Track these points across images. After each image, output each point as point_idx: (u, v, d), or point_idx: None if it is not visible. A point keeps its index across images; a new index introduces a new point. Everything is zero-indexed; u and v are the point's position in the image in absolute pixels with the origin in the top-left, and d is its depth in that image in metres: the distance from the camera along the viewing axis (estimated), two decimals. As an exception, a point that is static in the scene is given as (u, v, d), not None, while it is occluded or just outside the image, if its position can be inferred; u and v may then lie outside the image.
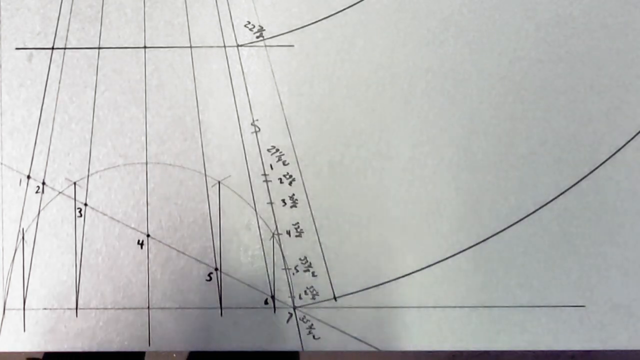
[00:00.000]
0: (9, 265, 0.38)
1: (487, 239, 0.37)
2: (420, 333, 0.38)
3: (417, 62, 0.38)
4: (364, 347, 0.38)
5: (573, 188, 0.37)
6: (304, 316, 0.38)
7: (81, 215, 0.38)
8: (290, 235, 0.38)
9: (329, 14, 0.38)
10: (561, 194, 0.37)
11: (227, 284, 0.38)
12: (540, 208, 0.38)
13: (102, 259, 0.38)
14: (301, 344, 0.38)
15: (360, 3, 0.38)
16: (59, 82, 0.38)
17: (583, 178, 0.37)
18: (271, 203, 0.38)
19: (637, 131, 0.37)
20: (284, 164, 0.38)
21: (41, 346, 0.38)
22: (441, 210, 0.38)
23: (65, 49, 0.38)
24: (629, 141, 0.37)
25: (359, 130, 0.38)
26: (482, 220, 0.38)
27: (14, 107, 0.38)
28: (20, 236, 0.38)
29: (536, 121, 0.38)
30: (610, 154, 0.37)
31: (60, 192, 0.38)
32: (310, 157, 0.38)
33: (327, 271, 0.38)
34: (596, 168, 0.37)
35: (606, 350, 0.38)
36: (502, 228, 0.37)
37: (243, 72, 0.38)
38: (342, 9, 0.38)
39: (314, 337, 0.38)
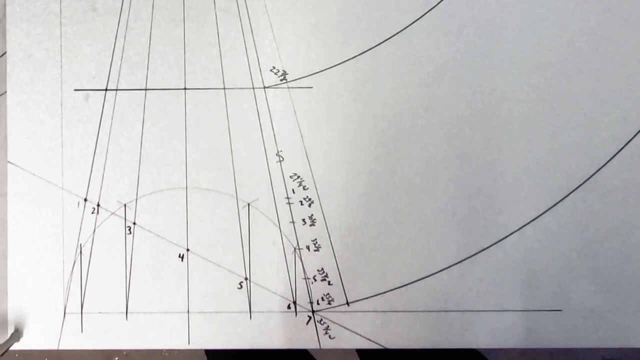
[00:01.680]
0: (69, 275, 0.44)
1: (477, 253, 0.43)
2: (420, 333, 0.44)
3: (418, 102, 0.43)
4: (373, 345, 0.44)
5: (551, 209, 0.43)
6: (321, 319, 0.44)
7: (130, 233, 0.44)
8: (309, 250, 0.44)
9: (343, 60, 0.44)
10: (540, 215, 0.43)
11: (256, 291, 0.44)
12: (523, 226, 0.43)
13: (148, 270, 0.44)
14: (319, 342, 0.44)
15: (370, 51, 0.44)
16: (112, 119, 0.44)
17: (559, 201, 0.43)
18: (293, 222, 0.44)
19: (605, 161, 0.43)
20: (304, 188, 0.44)
21: (96, 345, 0.44)
22: (439, 228, 0.44)
23: (117, 90, 0.44)
24: (599, 169, 0.43)
25: (368, 160, 0.44)
26: (472, 237, 0.43)
27: (73, 141, 0.44)
28: (79, 251, 0.44)
29: (518, 151, 0.43)
30: (582, 181, 0.43)
31: (112, 213, 0.44)
32: (327, 182, 0.44)
33: (341, 280, 0.44)
34: (570, 193, 0.43)
35: (581, 348, 0.44)
36: (490, 244, 0.43)
37: (269, 110, 0.44)
38: (354, 56, 0.44)
39: (329, 337, 0.44)
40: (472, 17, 0.43)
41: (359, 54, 0.44)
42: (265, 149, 0.44)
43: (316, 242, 0.44)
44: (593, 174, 0.43)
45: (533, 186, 0.43)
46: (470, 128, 0.43)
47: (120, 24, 0.44)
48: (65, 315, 0.44)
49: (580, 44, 0.43)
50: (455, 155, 0.43)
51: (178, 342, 0.44)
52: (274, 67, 0.44)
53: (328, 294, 0.44)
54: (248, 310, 0.44)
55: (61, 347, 0.44)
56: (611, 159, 0.43)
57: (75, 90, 0.44)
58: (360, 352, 0.56)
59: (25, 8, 0.44)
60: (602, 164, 0.43)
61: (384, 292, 0.43)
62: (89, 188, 0.44)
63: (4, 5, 0.44)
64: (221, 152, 0.44)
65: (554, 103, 0.43)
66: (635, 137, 0.43)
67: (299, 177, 0.44)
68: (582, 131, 0.43)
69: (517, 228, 0.43)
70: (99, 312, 0.44)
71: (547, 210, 0.43)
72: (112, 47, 0.44)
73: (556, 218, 0.43)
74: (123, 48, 0.44)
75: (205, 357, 0.52)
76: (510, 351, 0.44)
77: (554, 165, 0.43)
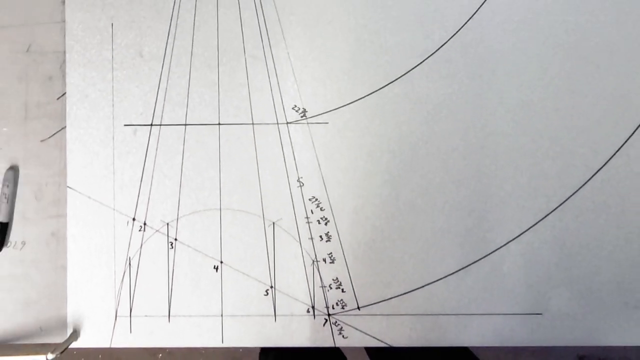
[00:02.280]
0: (119, 284, 0.51)
1: (469, 265, 0.50)
2: (421, 333, 0.51)
3: (419, 135, 0.50)
4: (380, 344, 0.51)
5: (533, 228, 0.50)
6: (336, 321, 0.51)
7: (172, 248, 0.51)
8: (325, 262, 0.51)
9: (354, 100, 0.51)
10: (523, 232, 0.50)
11: (280, 297, 0.51)
12: (509, 242, 0.50)
13: (187, 280, 0.51)
14: (334, 341, 0.51)
15: (377, 92, 0.51)
16: (156, 150, 0.51)
17: (540, 220, 0.50)
18: (311, 238, 0.51)
19: (579, 186, 0.50)
20: (321, 209, 0.51)
21: (143, 344, 0.51)
22: (437, 243, 0.50)
23: (160, 125, 0.51)
24: (574, 193, 0.50)
25: (376, 185, 0.51)
26: (465, 251, 0.50)
27: (123, 169, 0.51)
28: (128, 263, 0.51)
29: (505, 177, 0.50)
30: (559, 203, 0.50)
31: (157, 231, 0.51)
32: (341, 205, 0.51)
33: (353, 288, 0.51)
34: (548, 214, 0.50)
35: (558, 347, 0.51)
36: (480, 257, 0.50)
37: (291, 142, 0.51)
38: (364, 96, 0.51)
39: (343, 336, 0.51)
40: (465, 63, 0.50)
41: (368, 94, 0.51)
42: (287, 175, 0.51)
43: (331, 256, 0.51)
44: (568, 197, 0.50)
45: (517, 208, 0.50)
46: (464, 158, 0.50)
47: (163, 68, 0.51)
48: (117, 318, 0.51)
49: (557, 86, 0.50)
50: (450, 181, 0.50)
51: (213, 341, 0.51)
52: (295, 106, 0.51)
53: (342, 299, 0.51)
54: (273, 313, 0.51)
55: (113, 346, 0.51)
56: (584, 184, 0.50)
57: (125, 125, 0.51)
58: (368, 350, 0.64)
59: (82, 55, 0.51)
60: (576, 189, 0.50)
61: (390, 298, 0.51)
62: (137, 209, 0.51)
63: (64, 52, 0.51)
64: (250, 178, 0.51)
65: (535, 137, 0.50)
66: (605, 166, 0.50)
67: (316, 199, 0.51)
68: (559, 160, 0.50)
69: (503, 244, 0.50)
70: (145, 315, 0.51)
71: (529, 229, 0.50)
72: (157, 88, 0.51)
73: (537, 235, 0.50)
74: (166, 89, 0.51)
75: (258, 356, 0.59)
76: (498, 349, 0.51)
77: (535, 190, 0.50)
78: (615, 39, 0.50)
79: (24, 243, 0.51)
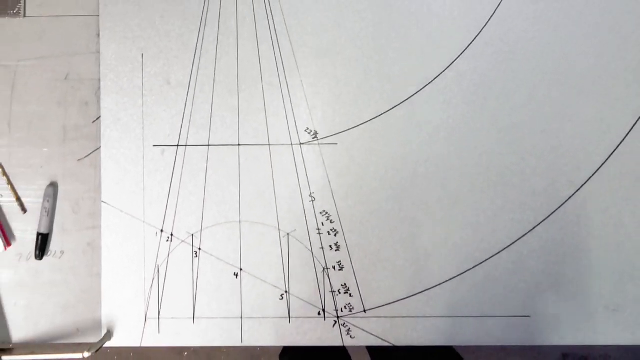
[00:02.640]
0: (149, 289, 0.56)
1: (464, 272, 0.55)
2: (421, 334, 0.56)
3: (419, 155, 0.56)
4: (384, 343, 0.56)
5: (522, 238, 0.55)
6: (344, 323, 0.56)
7: (197, 256, 0.56)
8: (335, 270, 0.56)
9: (361, 123, 0.56)
10: (513, 243, 0.55)
11: (293, 301, 0.56)
12: (500, 251, 0.56)
13: (210, 285, 0.56)
14: (342, 341, 0.56)
15: (382, 115, 0.56)
16: (182, 168, 0.56)
17: (528, 232, 0.55)
18: (322, 248, 0.56)
19: (564, 201, 0.55)
20: (330, 222, 0.56)
21: (170, 343, 0.56)
22: (435, 253, 0.56)
23: (186, 146, 0.56)
24: (559, 207, 0.55)
25: (380, 200, 0.56)
26: (461, 260, 0.56)
27: (152, 185, 0.56)
28: (156, 270, 0.56)
29: (497, 192, 0.56)
30: (546, 216, 0.55)
31: (182, 241, 0.56)
32: (348, 218, 0.56)
33: (360, 293, 0.56)
34: (536, 226, 0.55)
35: (545, 346, 0.56)
36: (474, 265, 0.55)
37: (304, 161, 0.56)
38: (369, 119, 0.56)
39: (350, 336, 0.56)
40: (460, 90, 0.56)
41: (374, 118, 0.56)
42: (300, 191, 0.56)
43: (340, 264, 0.56)
44: (554, 211, 0.55)
45: (508, 220, 0.56)
46: (460, 175, 0.56)
47: (188, 94, 0.56)
48: (146, 320, 0.56)
49: (543, 110, 0.55)
50: (447, 196, 0.56)
51: (233, 341, 0.56)
52: (308, 128, 0.56)
53: (349, 303, 0.56)
54: (287, 316, 0.56)
55: (143, 345, 0.57)
56: (568, 199, 0.55)
57: (154, 146, 0.56)
58: (369, 349, 0.69)
59: (115, 82, 0.56)
60: (561, 203, 0.56)
61: (393, 302, 0.56)
62: (165, 221, 0.56)
63: (99, 80, 0.56)
64: (266, 193, 0.56)
65: (524, 156, 0.56)
66: (587, 183, 0.55)
67: (327, 213, 0.56)
68: (545, 177, 0.56)
69: (495, 253, 0.56)
70: (172, 318, 0.56)
71: (518, 239, 0.56)
72: (183, 112, 0.56)
73: (526, 245, 0.56)
74: (191, 113, 0.56)
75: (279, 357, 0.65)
76: (490, 348, 0.56)
77: (524, 204, 0.56)
78: (596, 68, 0.55)
79: (62, 252, 0.57)
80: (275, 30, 0.56)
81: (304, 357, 0.64)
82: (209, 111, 0.56)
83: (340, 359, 0.72)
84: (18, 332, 0.57)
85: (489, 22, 0.56)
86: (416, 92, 0.56)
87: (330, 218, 0.56)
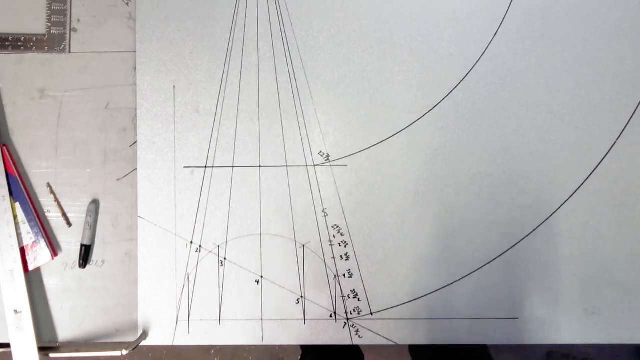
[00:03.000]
0: (180, 294, 0.63)
1: (460, 279, 0.62)
2: (421, 333, 0.63)
3: (420, 175, 0.63)
4: (388, 342, 0.63)
5: (511, 249, 0.62)
6: (353, 324, 0.63)
7: (222, 265, 0.63)
8: (345, 277, 0.63)
9: (368, 147, 0.63)
10: (503, 252, 0.62)
11: (308, 305, 0.63)
12: (492, 261, 0.63)
13: (234, 291, 0.63)
14: (351, 340, 0.63)
15: (387, 140, 0.63)
16: (209, 187, 0.63)
17: (516, 243, 0.62)
18: (334, 258, 0.63)
19: (549, 215, 0.62)
20: (341, 235, 0.63)
21: (199, 342, 0.63)
22: (433, 261, 0.63)
23: (213, 167, 0.63)
24: (544, 221, 0.62)
25: (384, 215, 0.63)
26: (456, 268, 0.63)
27: (182, 202, 0.63)
28: (186, 277, 0.63)
29: (489, 209, 0.63)
30: (533, 229, 0.62)
31: (209, 252, 0.63)
32: (357, 231, 0.63)
33: (367, 298, 0.63)
34: (523, 238, 0.62)
35: (531, 344, 0.63)
36: (469, 273, 0.62)
37: (317, 181, 0.63)
38: (375, 144, 0.63)
39: (359, 336, 0.63)
40: (456, 118, 0.63)
41: (379, 142, 0.63)
42: (314, 207, 0.63)
43: (349, 272, 0.63)
44: (539, 225, 0.62)
45: (498, 233, 0.63)
46: (456, 193, 0.63)
47: (215, 121, 0.63)
48: (178, 321, 0.63)
49: (530, 135, 0.62)
50: (445, 211, 0.63)
51: (255, 340, 0.63)
52: (321, 151, 0.63)
53: (358, 307, 0.63)
54: (303, 318, 0.63)
55: (174, 344, 0.64)
56: (552, 214, 0.62)
57: (184, 167, 0.63)
58: (411, 348, 0.76)
59: (150, 111, 0.63)
60: (546, 218, 0.62)
61: (397, 306, 0.63)
62: (194, 234, 0.63)
63: (135, 109, 0.63)
64: (284, 209, 0.63)
65: (512, 176, 0.63)
66: (569, 200, 0.62)
67: (338, 227, 0.63)
68: (532, 195, 0.63)
69: (487, 262, 0.63)
70: (201, 319, 0.63)
71: (508, 250, 0.62)
72: (210, 137, 0.63)
73: (514, 255, 0.63)
74: (217, 138, 0.63)
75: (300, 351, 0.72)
76: (482, 346, 0.63)
77: (513, 219, 0.63)
78: (576, 99, 0.62)
79: (103, 261, 0.63)
80: (292, 65, 0.63)
81: (324, 358, 0.71)
82: (233, 136, 0.63)
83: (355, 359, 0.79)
84: (64, 332, 0.64)
85: (482, 57, 0.63)
86: (417, 120, 0.63)
87: (341, 231, 0.63)
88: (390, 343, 0.63)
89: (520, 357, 0.73)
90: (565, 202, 0.63)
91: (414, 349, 0.78)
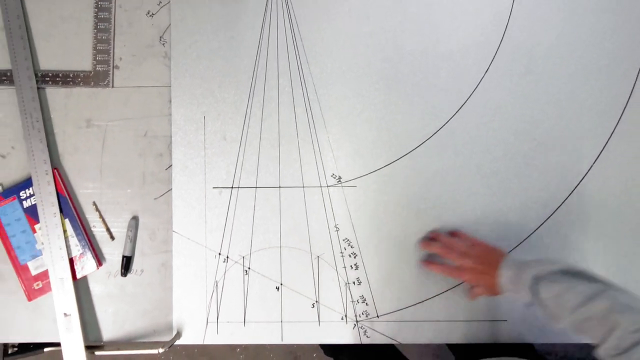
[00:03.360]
0: (209, 300, 0.72)
1: (455, 286, 0.71)
2: (422, 334, 0.71)
3: (421, 194, 0.71)
4: (392, 342, 0.71)
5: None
6: (362, 326, 0.72)
7: (247, 274, 0.72)
8: (354, 284, 0.72)
9: (375, 170, 0.71)
10: (493, 264, 0.70)
11: (322, 309, 0.72)
12: (484, 270, 0.71)
13: (257, 296, 0.72)
14: (360, 340, 0.72)
15: (391, 164, 0.71)
16: (235, 205, 0.72)
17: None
18: (345, 267, 0.72)
19: (535, 228, 0.71)
20: (351, 247, 0.72)
21: (226, 341, 0.72)
22: (432, 272, 0.71)
23: (238, 188, 0.72)
24: (530, 235, 0.71)
25: (390, 230, 0.71)
26: (450, 278, 0.71)
27: (212, 218, 0.72)
28: (215, 284, 0.72)
29: (479, 225, 0.71)
30: (519, 242, 0.71)
31: (235, 262, 0.72)
32: (365, 244, 0.71)
33: (374, 303, 0.71)
34: (510, 250, 0.71)
35: (518, 343, 0.71)
36: (461, 282, 0.71)
37: (330, 200, 0.72)
38: (382, 167, 0.71)
39: (367, 336, 0.72)
40: (452, 145, 0.71)
41: (385, 166, 0.72)
42: (328, 223, 0.72)
43: (358, 280, 0.72)
44: (523, 240, 0.71)
45: (494, 240, 0.71)
46: (452, 212, 0.71)
47: (240, 147, 0.72)
48: (207, 323, 0.72)
49: (517, 160, 0.71)
50: (441, 227, 0.71)
51: (275, 339, 0.72)
52: (334, 174, 0.72)
53: (366, 310, 0.72)
54: (317, 320, 0.72)
55: (205, 343, 0.72)
56: (535, 230, 0.71)
57: (213, 187, 0.72)
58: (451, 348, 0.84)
59: (183, 138, 0.72)
60: (529, 234, 0.71)
61: (400, 309, 0.71)
62: (222, 246, 0.72)
63: (170, 136, 0.72)
64: (301, 225, 0.72)
65: (501, 196, 0.71)
66: (550, 217, 0.71)
67: (348, 240, 0.72)
68: (518, 212, 0.71)
69: (479, 271, 0.71)
70: (228, 322, 0.72)
71: (497, 261, 0.71)
72: (235, 161, 0.72)
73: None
74: (242, 162, 0.72)
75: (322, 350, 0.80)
76: (474, 345, 0.71)
77: (501, 235, 0.71)
78: (557, 127, 0.71)
79: (142, 271, 0.72)
80: (308, 98, 0.72)
81: (359, 356, 0.80)
82: (256, 160, 0.72)
83: (392, 359, 0.87)
84: (107, 332, 0.72)
85: (474, 91, 0.71)
86: (418, 146, 0.71)
87: (351, 244, 0.72)
88: (394, 342, 0.72)
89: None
90: (547, 219, 0.71)
91: (453, 347, 0.86)
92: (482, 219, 0.71)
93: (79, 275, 0.72)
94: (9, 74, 0.72)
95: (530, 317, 0.71)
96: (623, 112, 0.72)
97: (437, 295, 0.71)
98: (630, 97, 0.72)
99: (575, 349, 0.80)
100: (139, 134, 0.72)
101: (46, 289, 0.72)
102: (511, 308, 0.71)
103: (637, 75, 0.71)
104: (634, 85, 0.72)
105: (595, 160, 0.71)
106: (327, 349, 0.93)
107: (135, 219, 0.72)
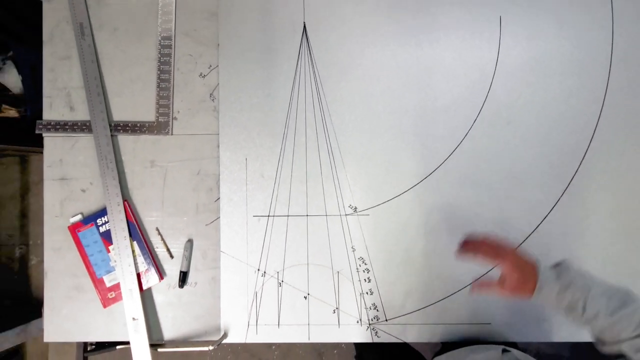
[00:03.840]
0: (250, 307, 0.88)
1: (450, 295, 0.87)
2: (423, 334, 0.88)
3: (421, 222, 0.88)
4: (399, 341, 0.88)
5: (485, 275, 0.87)
6: (373, 327, 0.88)
7: (280, 286, 0.88)
8: (367, 294, 0.88)
9: (385, 201, 0.88)
10: (480, 277, 0.87)
11: (341, 314, 0.88)
12: (470, 284, 0.88)
13: (288, 304, 0.88)
14: (372, 339, 0.88)
15: (397, 197, 0.88)
16: (271, 230, 0.88)
17: (488, 271, 0.87)
18: (359, 281, 0.88)
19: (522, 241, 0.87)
20: (364, 264, 0.88)
21: (264, 340, 0.88)
22: (430, 285, 0.88)
23: (274, 216, 0.88)
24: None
25: (397, 250, 0.88)
26: (445, 288, 0.87)
27: (252, 241, 0.88)
28: (255, 295, 0.88)
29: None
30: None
31: (271, 276, 0.88)
32: (376, 262, 0.88)
33: (383, 309, 0.88)
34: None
35: (501, 342, 0.88)
36: (455, 291, 0.87)
37: (348, 226, 0.88)
38: (390, 199, 0.88)
39: (377, 336, 0.88)
40: (447, 181, 0.88)
41: (393, 198, 0.88)
42: (345, 244, 0.88)
43: (370, 290, 0.88)
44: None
45: (474, 264, 0.87)
46: (449, 235, 0.88)
47: (275, 183, 0.88)
48: (249, 326, 0.88)
49: (498, 194, 0.87)
50: (440, 248, 0.88)
51: (304, 339, 0.88)
52: (351, 205, 0.88)
53: (376, 315, 0.88)
54: (337, 323, 0.88)
55: (246, 341, 0.89)
56: (525, 239, 0.87)
57: (253, 216, 0.88)
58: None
59: (229, 176, 0.88)
60: (520, 243, 0.87)
61: (404, 314, 0.88)
62: (260, 264, 0.88)
63: (218, 174, 0.88)
64: (324, 246, 0.88)
65: (487, 223, 0.88)
66: (526, 240, 0.87)
67: (362, 258, 0.88)
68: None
69: (468, 284, 0.87)
70: (265, 324, 0.88)
71: (482, 275, 0.87)
72: (271, 195, 0.88)
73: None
74: (277, 195, 0.88)
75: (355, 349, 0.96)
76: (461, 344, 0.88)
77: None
78: (531, 167, 0.88)
79: (196, 283, 0.89)
80: (330, 143, 0.88)
81: (379, 355, 0.97)
82: (287, 194, 0.88)
83: (411, 357, 1.03)
84: (167, 333, 0.89)
85: (465, 138, 0.88)
86: (419, 182, 0.88)
87: (365, 262, 0.88)
88: (399, 341, 0.88)
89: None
90: (523, 242, 0.88)
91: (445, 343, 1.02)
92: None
93: (144, 287, 0.88)
94: (88, 124, 0.88)
95: (510, 321, 0.87)
96: (585, 155, 0.88)
97: (434, 303, 0.88)
98: (590, 142, 0.88)
99: (545, 345, 0.97)
100: (193, 173, 0.89)
101: (118, 298, 0.88)
102: (493, 313, 0.88)
103: (596, 125, 0.88)
104: (594, 132, 0.88)
105: (562, 194, 0.88)
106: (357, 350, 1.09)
107: (190, 241, 0.89)
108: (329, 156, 0.89)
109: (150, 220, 0.89)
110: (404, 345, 0.89)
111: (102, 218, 0.88)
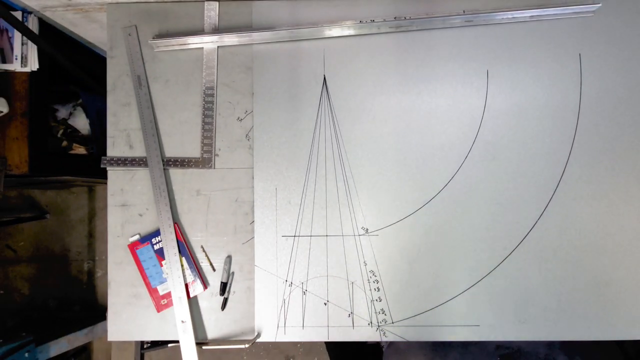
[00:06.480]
0: (279, 311, 1.04)
1: (447, 301, 1.03)
2: (421, 334, 1.04)
3: (422, 241, 1.04)
4: (403, 340, 1.04)
5: (481, 281, 1.03)
6: (382, 329, 1.04)
7: (304, 294, 1.04)
8: (377, 301, 1.04)
9: (392, 223, 1.04)
10: (469, 288, 1.03)
11: (355, 318, 1.04)
12: (470, 287, 1.04)
13: (311, 310, 1.04)
14: (381, 338, 1.04)
15: (401, 221, 1.04)
16: (297, 248, 1.04)
17: (484, 276, 1.03)
18: (370, 290, 1.04)
19: (507, 255, 1.03)
20: (374, 276, 1.04)
21: (290, 339, 1.05)
22: (430, 292, 1.04)
23: (299, 236, 1.04)
24: (498, 265, 1.03)
25: (402, 265, 1.04)
26: (443, 294, 1.03)
27: (281, 257, 1.04)
28: (283, 301, 1.04)
29: (455, 265, 1.04)
30: (491, 270, 1.03)
31: (297, 286, 1.04)
32: (385, 274, 1.04)
33: (390, 313, 1.04)
34: (484, 277, 1.03)
35: (487, 341, 1.04)
36: (451, 297, 1.03)
37: (361, 245, 1.04)
38: (397, 221, 1.04)
39: (385, 336, 1.04)
40: (442, 208, 1.04)
41: (397, 221, 1.04)
42: (359, 260, 1.04)
43: (379, 298, 1.04)
44: (492, 270, 1.03)
45: (466, 276, 1.03)
46: (446, 254, 1.04)
47: (300, 208, 1.04)
48: (278, 327, 1.04)
49: (486, 218, 1.03)
50: (439, 263, 1.04)
51: (323, 338, 1.04)
52: (363, 227, 1.04)
53: (385, 319, 1.04)
54: (352, 325, 1.04)
55: (276, 340, 1.05)
56: (500, 263, 1.03)
57: (282, 236, 1.04)
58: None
59: (262, 203, 1.04)
60: (489, 271, 1.03)
61: (408, 318, 1.04)
62: (287, 275, 1.04)
63: (253, 202, 1.04)
64: (341, 261, 1.04)
65: (476, 242, 1.04)
66: (506, 258, 1.03)
67: (373, 272, 1.04)
68: (487, 252, 1.03)
69: (459, 293, 1.03)
70: (292, 326, 1.04)
71: (472, 285, 1.03)
72: (297, 218, 1.04)
73: (477, 288, 1.03)
74: (302, 219, 1.04)
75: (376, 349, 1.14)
76: (455, 343, 1.04)
77: (472, 267, 1.03)
78: (513, 195, 1.04)
79: (234, 292, 1.05)
80: (345, 175, 1.05)
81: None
82: (310, 217, 1.05)
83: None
84: (211, 333, 1.05)
85: (457, 172, 1.04)
86: (419, 209, 1.04)
87: (375, 274, 1.04)
88: (403, 340, 1.04)
89: (479, 348, 1.15)
90: (504, 260, 1.04)
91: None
92: (459, 259, 1.04)
93: (191, 295, 1.04)
94: (144, 159, 1.04)
95: (495, 324, 1.04)
96: (558, 185, 1.04)
97: (432, 309, 1.04)
98: (562, 175, 1.04)
99: (525, 343, 1.13)
100: (232, 200, 1.05)
101: (169, 304, 1.04)
102: (481, 316, 1.04)
103: (567, 161, 1.04)
104: (565, 167, 1.04)
105: (539, 218, 1.04)
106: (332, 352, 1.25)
107: (229, 257, 1.05)
108: (345, 185, 1.05)
109: (196, 240, 1.05)
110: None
111: (156, 238, 1.04)
